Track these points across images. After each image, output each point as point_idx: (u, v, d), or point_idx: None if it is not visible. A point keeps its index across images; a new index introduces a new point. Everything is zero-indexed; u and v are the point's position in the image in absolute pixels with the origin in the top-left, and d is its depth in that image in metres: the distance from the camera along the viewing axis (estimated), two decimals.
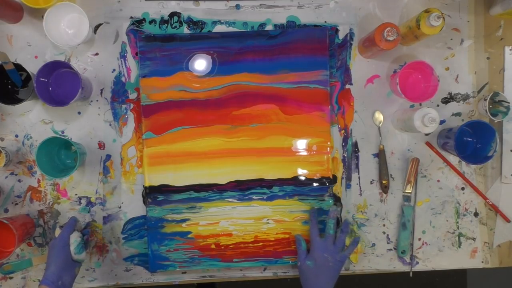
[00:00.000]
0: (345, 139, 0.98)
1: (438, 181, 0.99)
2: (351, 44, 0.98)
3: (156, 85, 0.95)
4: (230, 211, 0.96)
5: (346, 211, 0.98)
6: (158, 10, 0.97)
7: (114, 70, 0.97)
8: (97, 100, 0.97)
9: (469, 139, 0.96)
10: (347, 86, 0.98)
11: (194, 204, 0.96)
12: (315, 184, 0.96)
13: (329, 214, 0.94)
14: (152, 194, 0.95)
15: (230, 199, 0.96)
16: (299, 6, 0.98)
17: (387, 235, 0.99)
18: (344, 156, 0.98)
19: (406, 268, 1.00)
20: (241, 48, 0.95)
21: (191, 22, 0.97)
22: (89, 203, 0.97)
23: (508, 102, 0.95)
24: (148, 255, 0.95)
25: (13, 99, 0.92)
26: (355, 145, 0.98)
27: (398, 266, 0.99)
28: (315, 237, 0.91)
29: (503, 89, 0.99)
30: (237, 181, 0.96)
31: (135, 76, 0.97)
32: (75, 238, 0.87)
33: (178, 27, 0.97)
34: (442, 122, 0.99)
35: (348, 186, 0.98)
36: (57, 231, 0.89)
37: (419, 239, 0.99)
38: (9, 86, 0.93)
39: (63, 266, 0.83)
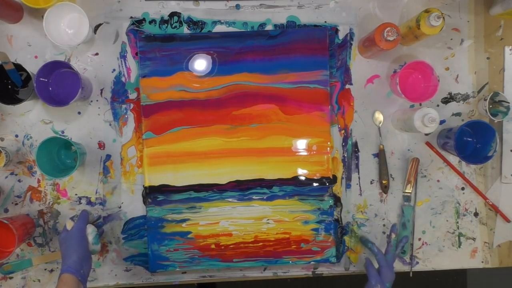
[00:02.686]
0: (345, 139, 0.98)
1: (438, 181, 0.99)
2: (351, 44, 0.98)
3: (156, 85, 0.95)
4: (230, 211, 0.96)
5: (346, 211, 0.98)
6: (158, 10, 0.97)
7: (114, 70, 0.97)
8: (97, 100, 0.97)
9: (469, 139, 0.96)
10: (347, 86, 0.98)
11: (194, 204, 0.96)
12: (315, 184, 0.96)
13: (391, 231, 0.93)
14: (152, 194, 0.95)
15: (230, 199, 0.96)
16: (299, 6, 0.98)
17: (387, 235, 0.99)
18: (344, 156, 0.98)
19: (406, 268, 1.00)
20: (241, 48, 0.95)
21: (191, 22, 0.97)
22: (89, 203, 0.97)
23: (508, 102, 0.95)
24: (148, 255, 0.95)
25: (13, 99, 0.92)
26: (355, 145, 0.98)
27: (398, 266, 0.99)
28: (383, 260, 0.90)
29: (503, 89, 0.99)
30: (237, 181, 0.96)
31: (135, 76, 0.97)
32: (92, 229, 0.88)
33: (178, 27, 0.97)
34: (442, 122, 0.99)
35: (348, 186, 0.98)
36: (69, 224, 0.87)
37: (419, 239, 0.99)
38: (9, 86, 0.93)
39: (83, 256, 0.84)
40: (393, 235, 0.92)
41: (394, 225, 0.93)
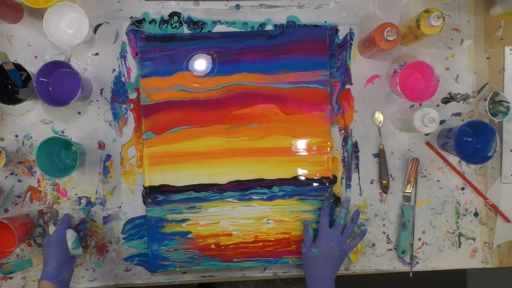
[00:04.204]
0: (345, 139, 0.98)
1: (438, 181, 0.99)
2: (351, 44, 0.98)
3: (156, 85, 0.95)
4: (230, 211, 0.96)
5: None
6: (158, 10, 0.97)
7: (114, 70, 0.97)
8: (97, 100, 0.97)
9: (469, 139, 0.96)
10: (347, 86, 0.98)
11: (194, 204, 0.96)
12: (315, 184, 0.96)
13: (342, 204, 0.94)
14: (152, 194, 0.95)
15: (230, 199, 0.96)
16: (299, 6, 0.98)
17: (387, 235, 0.99)
18: (344, 156, 0.98)
19: (406, 268, 1.00)
20: (241, 48, 0.95)
21: (191, 22, 0.97)
22: (89, 203, 0.97)
23: (508, 102, 0.95)
24: (148, 255, 0.95)
25: (13, 99, 0.92)
26: (355, 145, 0.98)
27: (398, 266, 0.99)
28: (324, 226, 0.91)
29: (503, 89, 0.99)
30: (237, 181, 0.96)
31: (135, 76, 0.97)
32: (71, 234, 0.87)
33: (178, 27, 0.97)
34: (442, 122, 0.99)
35: (348, 186, 0.98)
36: (51, 228, 0.88)
37: (419, 239, 0.99)
38: (9, 86, 0.93)
39: (62, 262, 0.84)
40: (341, 209, 0.94)
41: (346, 201, 0.95)
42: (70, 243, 0.86)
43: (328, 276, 0.87)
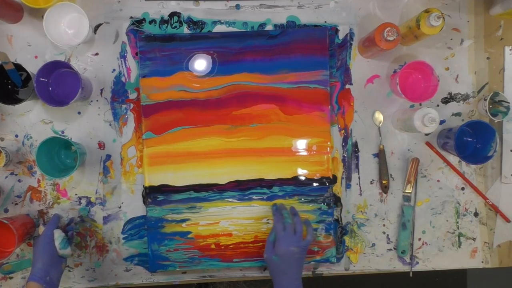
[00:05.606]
0: (345, 139, 0.98)
1: (438, 181, 0.99)
2: (351, 44, 0.98)
3: (156, 85, 0.95)
4: (230, 211, 0.96)
5: (346, 211, 0.98)
6: (158, 10, 0.97)
7: (114, 70, 0.97)
8: (97, 100, 0.97)
9: (469, 139, 0.96)
10: (347, 86, 0.98)
11: (194, 204, 0.96)
12: (315, 184, 0.96)
13: (280, 208, 0.92)
14: (152, 194, 0.95)
15: (230, 199, 0.96)
16: (299, 6, 0.98)
17: (387, 235, 0.99)
18: (344, 156, 0.98)
19: (406, 268, 1.00)
20: (241, 48, 0.95)
21: (191, 22, 0.97)
22: (89, 203, 0.97)
23: (508, 102, 0.95)
24: (148, 255, 0.95)
25: (13, 99, 0.92)
26: (355, 145, 0.98)
27: (398, 266, 0.99)
28: (280, 232, 0.87)
29: (503, 89, 0.99)
30: (237, 181, 0.96)
31: (135, 76, 0.97)
32: (58, 234, 0.87)
33: (178, 27, 0.97)
34: (442, 122, 0.99)
35: (348, 186, 0.98)
36: (41, 229, 0.89)
37: (419, 239, 0.99)
38: (9, 86, 0.93)
39: (50, 262, 0.84)
40: (282, 211, 0.90)
41: (281, 206, 0.93)
42: (57, 243, 0.86)
43: (294, 278, 0.85)
